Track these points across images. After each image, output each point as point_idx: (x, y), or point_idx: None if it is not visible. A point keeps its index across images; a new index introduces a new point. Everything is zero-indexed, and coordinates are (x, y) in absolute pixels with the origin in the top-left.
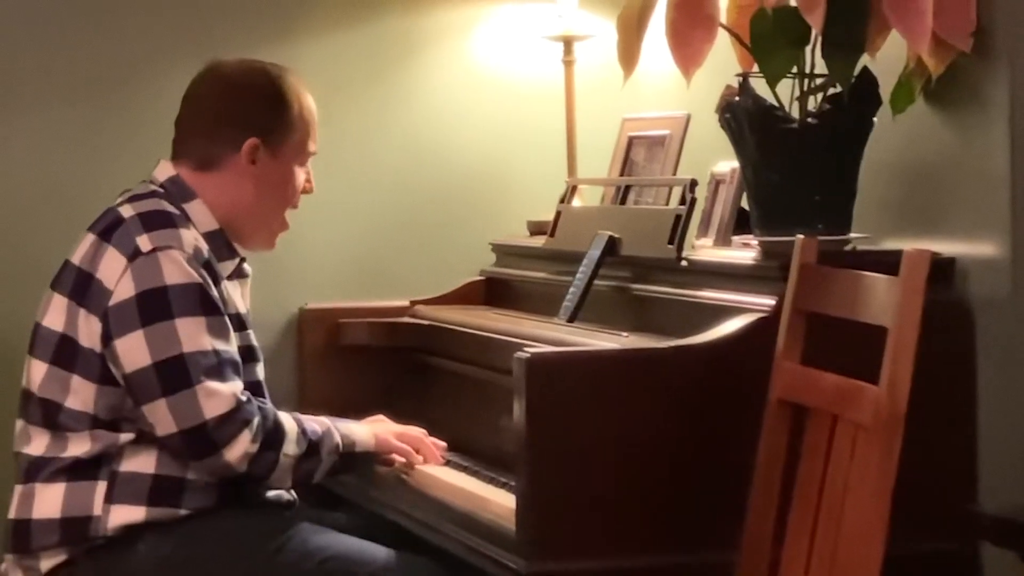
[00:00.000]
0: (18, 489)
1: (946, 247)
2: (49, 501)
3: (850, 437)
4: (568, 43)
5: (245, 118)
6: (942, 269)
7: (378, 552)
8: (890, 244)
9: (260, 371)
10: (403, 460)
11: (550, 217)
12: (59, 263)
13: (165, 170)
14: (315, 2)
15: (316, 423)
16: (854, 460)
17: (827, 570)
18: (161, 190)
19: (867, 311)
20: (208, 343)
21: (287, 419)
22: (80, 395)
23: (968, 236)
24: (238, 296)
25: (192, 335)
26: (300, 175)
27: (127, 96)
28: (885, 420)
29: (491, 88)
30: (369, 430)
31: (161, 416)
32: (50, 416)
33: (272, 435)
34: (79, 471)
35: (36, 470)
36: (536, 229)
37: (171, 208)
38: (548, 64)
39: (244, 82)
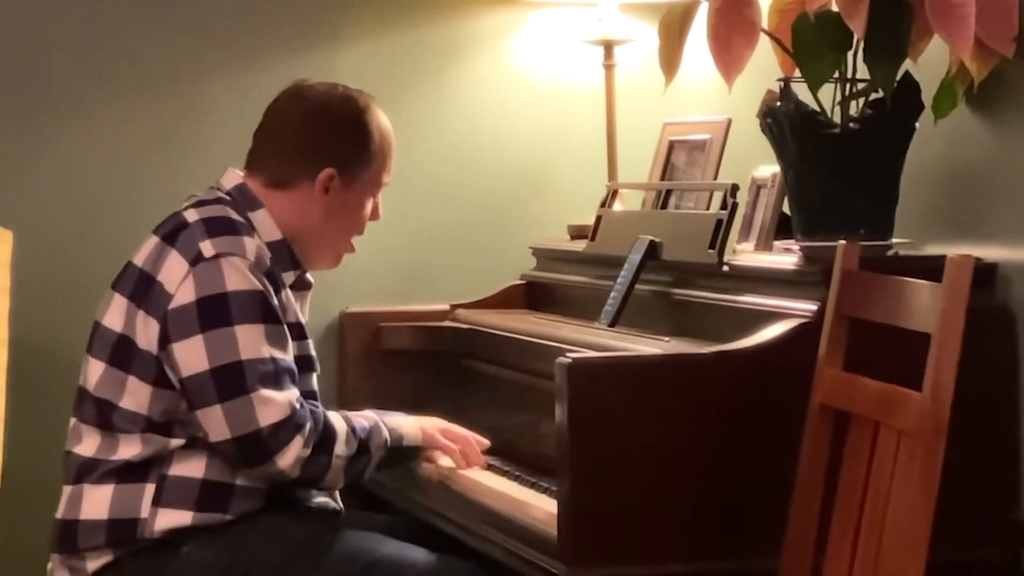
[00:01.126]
0: (67, 490)
1: (989, 252)
2: (97, 502)
3: (893, 444)
4: (609, 47)
5: (325, 148)
6: (985, 274)
7: (420, 556)
8: (933, 249)
9: (315, 381)
10: (446, 460)
11: (591, 221)
12: (121, 263)
13: (233, 178)
14: (356, 9)
15: (364, 419)
16: (897, 467)
17: None
18: (227, 197)
19: (910, 317)
20: (266, 351)
21: (337, 420)
22: (135, 396)
23: (1011, 241)
24: (298, 307)
25: (250, 342)
26: (369, 205)
27: (183, 100)
28: (928, 427)
29: (532, 93)
30: (416, 424)
31: (215, 422)
32: (104, 416)
33: (323, 438)
34: (128, 473)
35: (86, 472)
36: (577, 233)
37: (236, 216)
38: (589, 68)
39: (328, 112)
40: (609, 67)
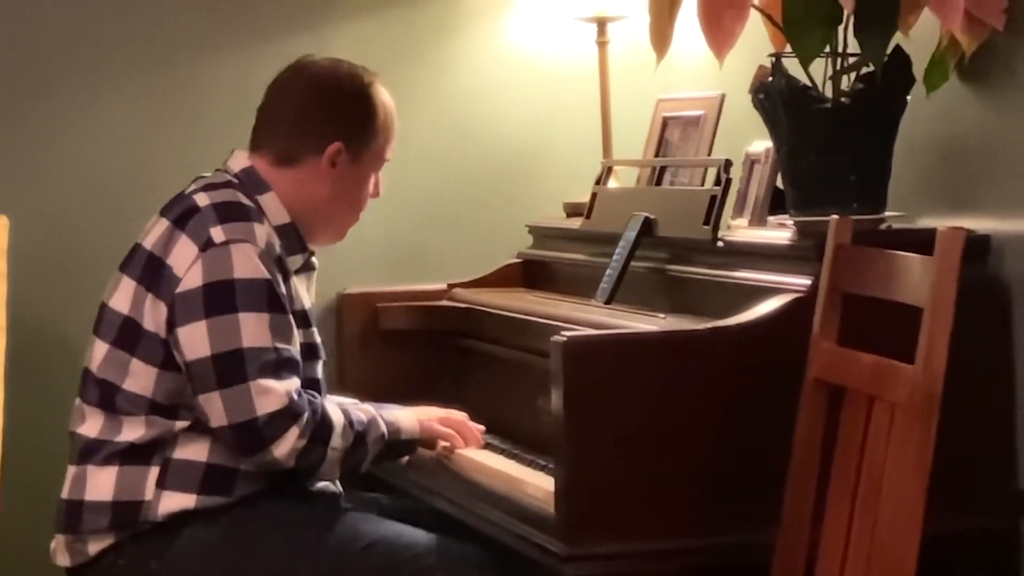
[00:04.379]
0: (71, 470)
1: (981, 224)
2: (102, 484)
3: (887, 416)
4: (602, 24)
5: (332, 122)
6: (977, 247)
7: (420, 536)
8: (925, 223)
9: (320, 369)
10: (446, 444)
11: (586, 199)
12: (118, 246)
13: (240, 160)
14: None
15: (362, 412)
16: (891, 439)
17: (866, 549)
18: (235, 180)
19: (902, 291)
20: (269, 340)
21: (335, 412)
22: (139, 378)
23: (1003, 213)
24: (304, 291)
25: (254, 331)
26: (372, 180)
27: (177, 80)
28: (921, 399)
29: (525, 70)
30: (413, 416)
31: (214, 408)
32: (107, 397)
33: (320, 430)
34: (133, 456)
35: (90, 453)
36: (572, 210)
37: (246, 200)
38: (582, 45)
39: (334, 86)
40: (602, 44)
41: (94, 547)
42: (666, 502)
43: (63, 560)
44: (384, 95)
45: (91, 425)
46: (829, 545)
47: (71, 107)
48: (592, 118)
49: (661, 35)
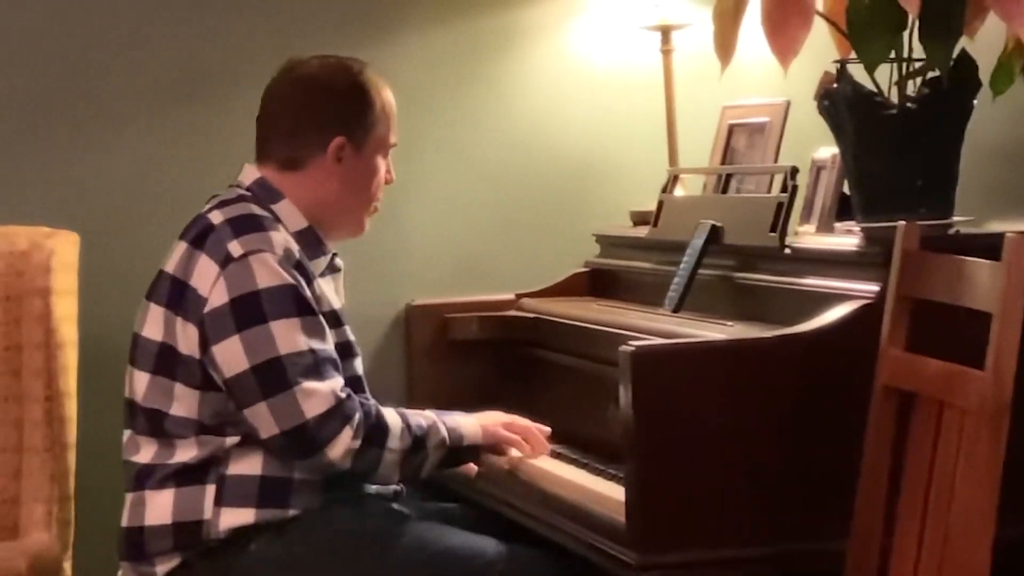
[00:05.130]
0: (129, 497)
1: None
2: (160, 507)
3: (957, 423)
4: (666, 32)
5: (329, 118)
6: None
7: (488, 545)
8: (993, 227)
9: (359, 366)
10: (514, 451)
11: (653, 207)
12: (153, 271)
13: (250, 173)
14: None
15: (422, 417)
16: (962, 446)
17: (938, 557)
18: (248, 193)
19: (971, 296)
20: (304, 343)
21: (390, 414)
22: (184, 402)
23: None
24: (331, 292)
25: (287, 336)
26: (383, 167)
27: (227, 100)
28: (992, 405)
29: (590, 80)
30: (476, 422)
31: (263, 419)
32: (156, 425)
33: (374, 431)
34: (188, 476)
35: (145, 477)
36: (639, 219)
37: (260, 211)
38: (646, 54)
39: (326, 82)
40: (667, 52)
41: (162, 568)
42: (736, 511)
43: None
44: (378, 81)
45: (145, 453)
46: (900, 554)
47: (140, 125)
48: (658, 126)
49: (726, 42)
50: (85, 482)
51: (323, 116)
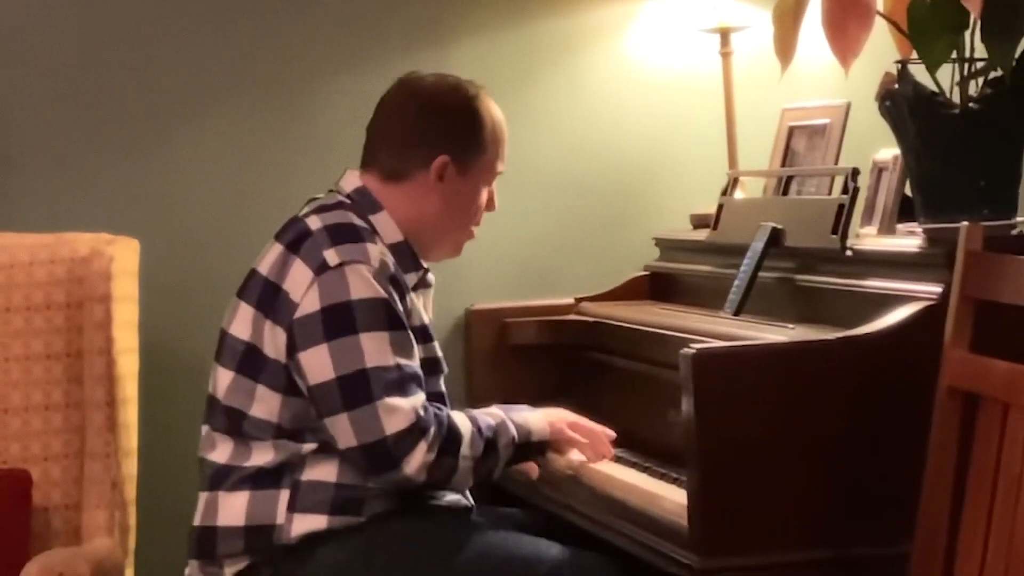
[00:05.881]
0: (203, 496)
1: None
2: (233, 509)
3: (1023, 425)
4: (725, 35)
5: (438, 136)
6: None
7: (553, 550)
8: None
9: (442, 383)
10: (577, 453)
11: (712, 210)
12: (244, 268)
13: (352, 180)
14: (470, 5)
15: (490, 417)
16: None
17: (1004, 560)
18: (348, 201)
19: None
20: (391, 358)
21: (462, 421)
22: (265, 404)
23: None
24: (421, 306)
25: (376, 350)
26: (485, 194)
27: (303, 103)
28: None
29: (649, 83)
30: (544, 418)
31: (342, 429)
32: (235, 424)
33: (448, 441)
34: (262, 480)
35: (220, 478)
36: (699, 222)
37: (358, 220)
38: (705, 57)
39: (440, 100)
40: (726, 55)
41: (229, 570)
42: (798, 513)
43: None
44: (491, 107)
45: (221, 452)
46: (966, 557)
47: (199, 130)
48: (717, 129)
49: (785, 44)
50: (146, 488)
51: (432, 132)
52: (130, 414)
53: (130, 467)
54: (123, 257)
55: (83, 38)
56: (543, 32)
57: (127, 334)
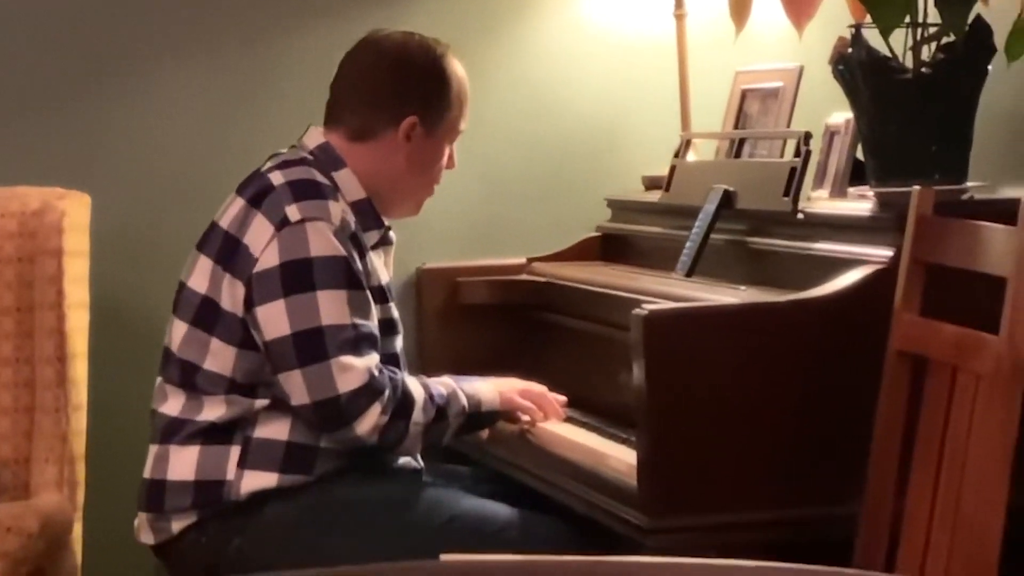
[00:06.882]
0: (153, 449)
1: None
2: (184, 464)
3: (971, 388)
4: None
5: (407, 96)
6: None
7: (501, 511)
8: (1008, 192)
9: (399, 343)
10: (527, 417)
11: (665, 172)
12: (197, 224)
13: (315, 137)
14: None
15: (442, 386)
16: (975, 410)
17: (950, 521)
18: (311, 157)
19: (985, 261)
20: (348, 317)
21: (415, 386)
22: (218, 358)
23: None
24: (381, 265)
25: (332, 308)
26: (447, 152)
27: (256, 58)
28: (1006, 370)
29: (603, 44)
30: (494, 388)
31: (296, 386)
32: (188, 377)
33: (401, 406)
34: (214, 435)
35: (171, 432)
36: (651, 184)
37: (321, 177)
38: (659, 18)
39: (408, 59)
40: (680, 16)
41: (177, 525)
42: (747, 475)
43: (147, 538)
44: (457, 66)
45: (173, 404)
46: (913, 518)
47: (151, 85)
48: (670, 91)
49: (740, 7)
50: (95, 443)
51: (402, 92)
52: (80, 369)
53: (80, 422)
54: (74, 212)
55: None
56: None
57: (78, 289)
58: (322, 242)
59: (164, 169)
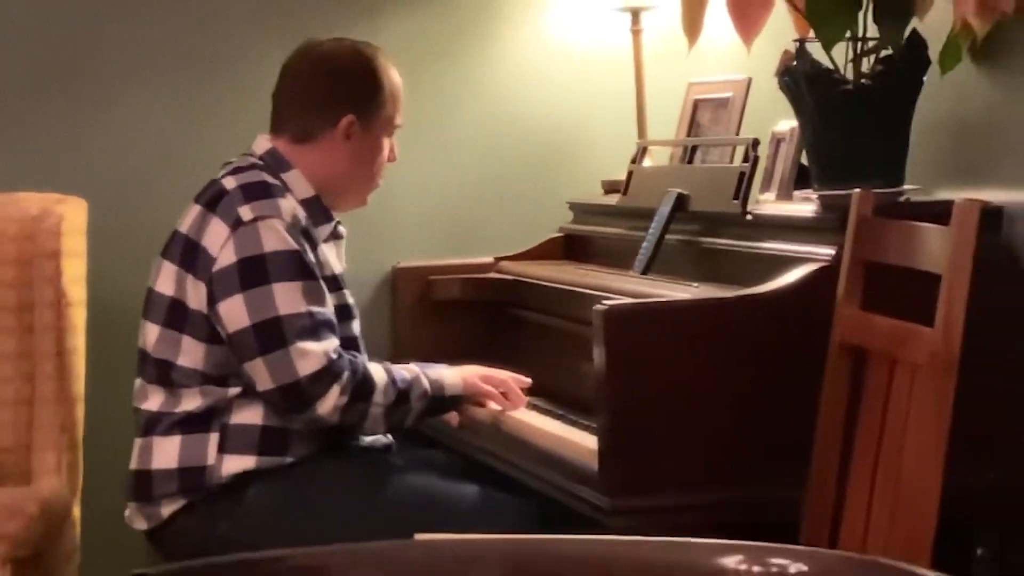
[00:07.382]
0: (137, 442)
1: (994, 196)
2: (167, 452)
3: (908, 377)
4: (635, 13)
5: (342, 97)
6: (991, 217)
7: (467, 491)
8: (942, 195)
9: (356, 327)
10: (491, 403)
11: (623, 177)
12: (156, 235)
13: (263, 144)
14: None
15: (405, 371)
16: (912, 399)
17: (890, 504)
18: (260, 162)
19: (921, 259)
20: (303, 306)
21: (377, 370)
22: (190, 354)
23: (1015, 185)
24: (334, 257)
25: (288, 299)
26: (387, 146)
27: (224, 71)
28: (941, 360)
29: (564, 58)
30: (458, 373)
31: (259, 373)
32: (164, 374)
33: (361, 387)
34: (193, 424)
35: (153, 424)
36: (610, 188)
37: (270, 179)
38: (617, 34)
39: (341, 63)
40: (636, 32)
41: (166, 510)
42: (701, 460)
43: (139, 524)
44: (387, 65)
45: (153, 401)
46: (854, 500)
47: (146, 94)
48: (627, 102)
49: (693, 23)
50: (92, 432)
51: (335, 94)
52: (78, 363)
53: (77, 413)
54: (72, 216)
55: (29, 1)
56: (467, 8)
57: (76, 288)
58: (274, 238)
59: (157, 175)
